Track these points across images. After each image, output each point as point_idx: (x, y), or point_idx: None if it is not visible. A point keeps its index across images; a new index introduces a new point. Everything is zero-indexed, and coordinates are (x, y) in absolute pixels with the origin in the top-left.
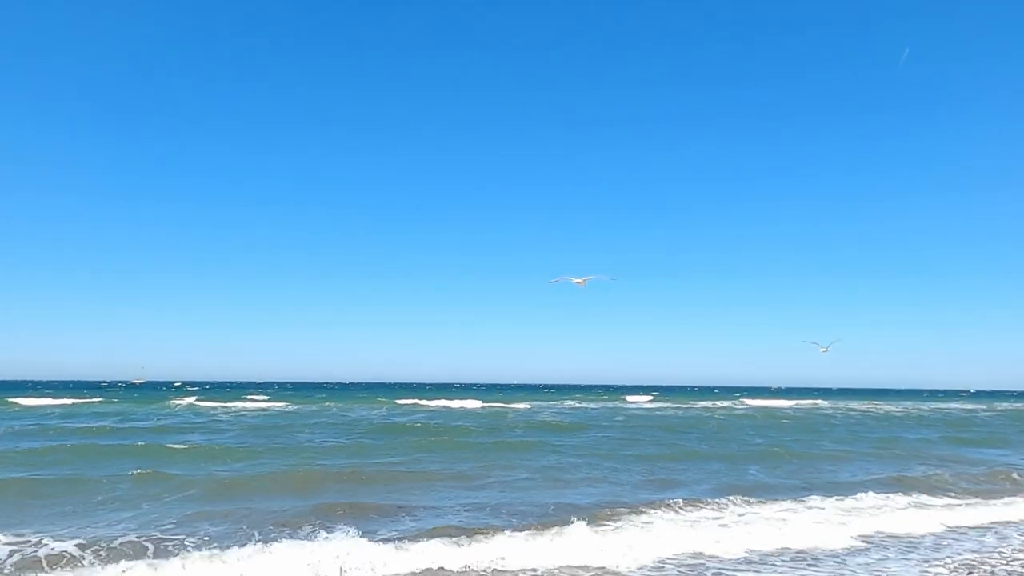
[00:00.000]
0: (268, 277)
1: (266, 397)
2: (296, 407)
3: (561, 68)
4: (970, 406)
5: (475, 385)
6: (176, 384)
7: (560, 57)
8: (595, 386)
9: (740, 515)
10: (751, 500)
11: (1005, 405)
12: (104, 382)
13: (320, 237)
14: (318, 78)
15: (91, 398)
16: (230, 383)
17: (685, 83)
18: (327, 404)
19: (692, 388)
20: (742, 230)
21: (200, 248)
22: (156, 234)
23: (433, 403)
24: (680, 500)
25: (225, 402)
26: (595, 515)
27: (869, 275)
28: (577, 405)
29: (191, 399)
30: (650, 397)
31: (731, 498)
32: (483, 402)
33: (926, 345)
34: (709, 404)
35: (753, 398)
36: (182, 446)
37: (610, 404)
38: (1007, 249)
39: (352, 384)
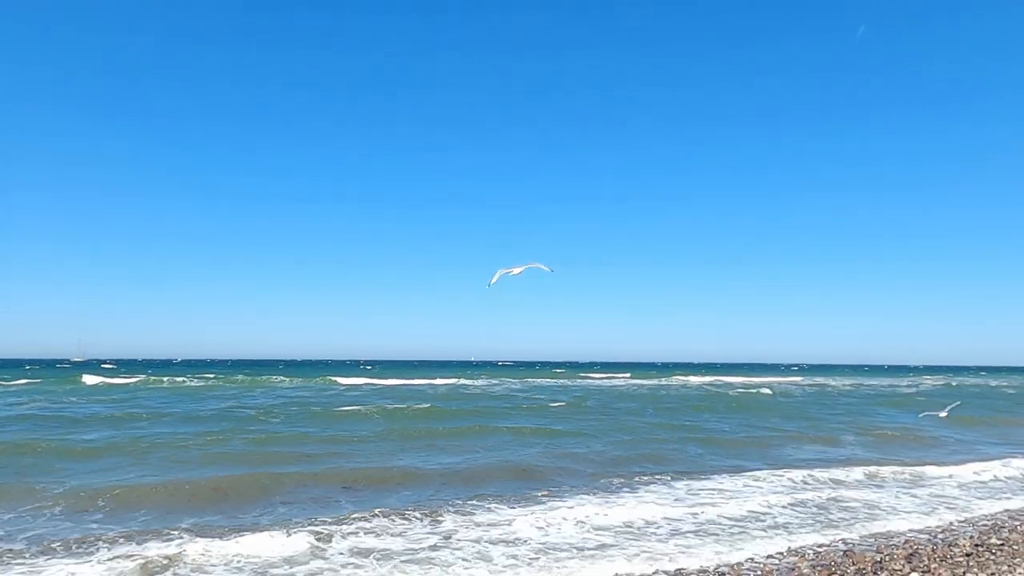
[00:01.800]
0: (239, 261)
1: (212, 374)
2: (226, 385)
3: (552, 72)
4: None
5: (439, 362)
6: (108, 363)
7: (552, 61)
8: (562, 363)
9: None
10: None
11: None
12: (30, 361)
13: (293, 225)
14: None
15: None
16: (176, 361)
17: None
18: (267, 380)
19: (678, 364)
20: (723, 221)
21: (155, 228)
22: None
23: (384, 382)
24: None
25: (140, 379)
26: None
27: (833, 263)
28: (543, 383)
29: (103, 378)
30: (628, 375)
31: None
32: (455, 378)
33: (880, 326)
34: (680, 380)
35: (702, 374)
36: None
37: (570, 382)
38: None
39: (308, 361)
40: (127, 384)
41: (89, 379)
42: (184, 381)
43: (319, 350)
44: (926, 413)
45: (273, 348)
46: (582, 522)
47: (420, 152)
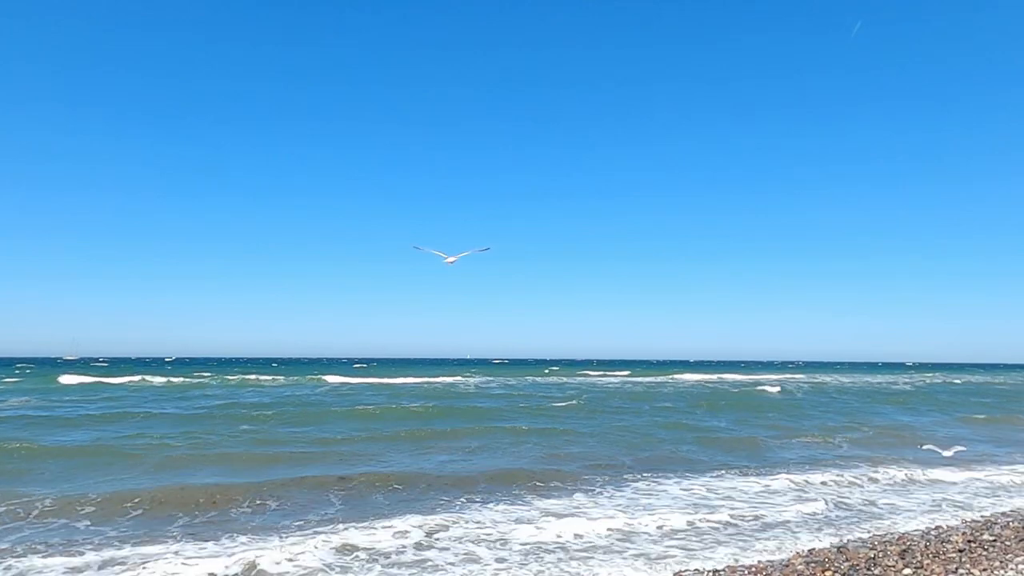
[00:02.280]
0: (242, 258)
1: (208, 373)
2: (215, 384)
3: (543, 67)
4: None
5: (433, 360)
6: (102, 361)
7: (545, 56)
8: (558, 360)
9: None
10: None
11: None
12: (22, 360)
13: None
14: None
15: None
16: (169, 359)
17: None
18: (256, 379)
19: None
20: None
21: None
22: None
23: (378, 380)
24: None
25: (127, 378)
26: None
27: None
28: (539, 380)
29: (83, 377)
30: (627, 372)
31: None
32: (451, 377)
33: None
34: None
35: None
36: None
37: (567, 379)
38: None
39: (302, 359)
40: (116, 383)
41: (67, 379)
42: (182, 380)
43: (312, 348)
44: (928, 446)
45: (267, 346)
46: (574, 523)
47: (417, 149)
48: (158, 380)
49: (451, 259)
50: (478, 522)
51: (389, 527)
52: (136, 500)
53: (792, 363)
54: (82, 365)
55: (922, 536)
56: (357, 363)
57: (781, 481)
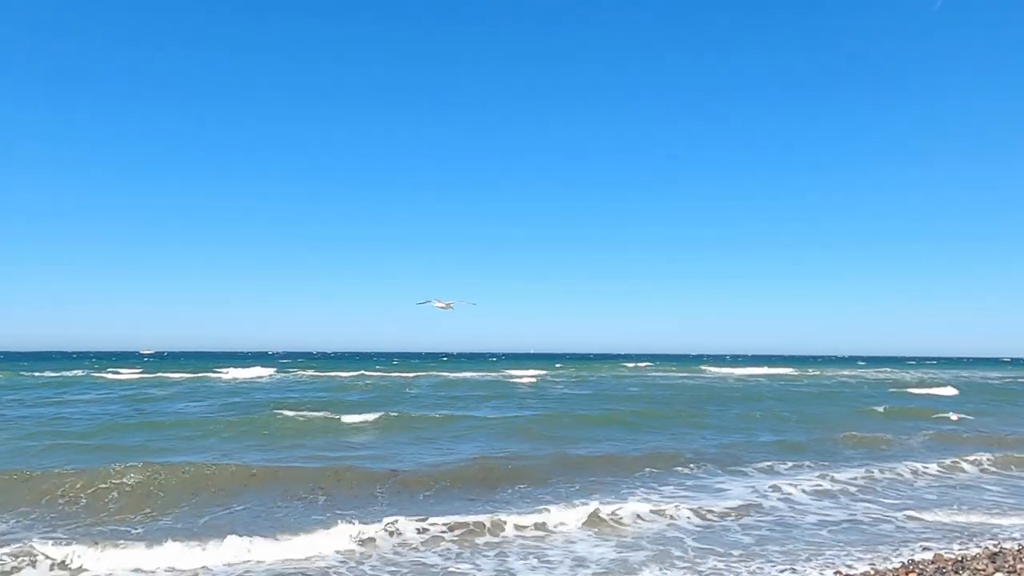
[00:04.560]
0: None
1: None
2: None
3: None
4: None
5: (496, 354)
6: (163, 354)
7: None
8: (618, 355)
9: None
10: None
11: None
12: (98, 354)
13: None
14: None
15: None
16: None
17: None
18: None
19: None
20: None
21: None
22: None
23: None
24: None
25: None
26: None
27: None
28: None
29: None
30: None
31: None
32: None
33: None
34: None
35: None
36: None
37: (689, 374)
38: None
39: (360, 354)
40: (152, 379)
41: (108, 374)
42: (221, 376)
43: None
44: (939, 415)
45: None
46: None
47: (450, 134)
48: (219, 375)
49: (444, 304)
50: None
51: None
52: None
53: (860, 358)
54: (135, 359)
55: (1015, 540)
56: (443, 357)
57: None
